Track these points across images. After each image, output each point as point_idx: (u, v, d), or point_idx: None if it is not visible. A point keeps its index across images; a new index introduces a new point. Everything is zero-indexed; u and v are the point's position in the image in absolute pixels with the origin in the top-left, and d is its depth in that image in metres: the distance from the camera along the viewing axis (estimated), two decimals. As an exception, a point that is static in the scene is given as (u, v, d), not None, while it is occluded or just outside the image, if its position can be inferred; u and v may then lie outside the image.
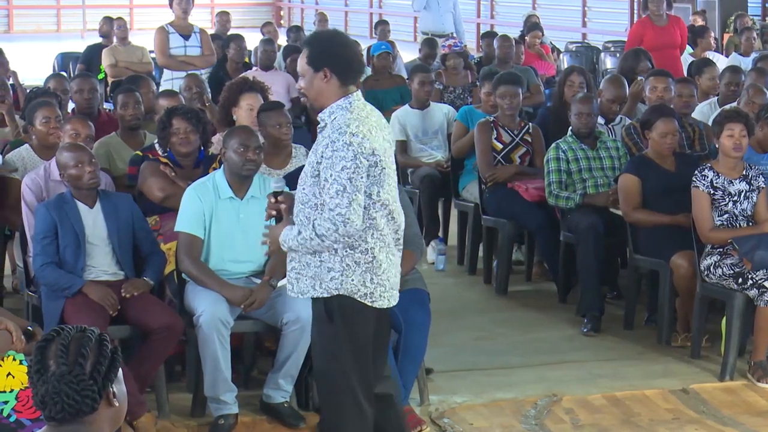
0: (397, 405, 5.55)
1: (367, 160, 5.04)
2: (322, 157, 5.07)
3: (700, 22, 15.62)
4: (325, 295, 5.15)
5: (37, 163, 7.50)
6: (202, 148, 7.14)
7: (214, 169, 6.86)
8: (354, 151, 5.01)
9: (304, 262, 5.18)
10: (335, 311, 5.18)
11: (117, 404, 3.10)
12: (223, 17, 16.25)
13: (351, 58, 5.20)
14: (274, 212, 5.33)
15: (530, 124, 9.06)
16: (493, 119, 8.92)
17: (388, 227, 5.18)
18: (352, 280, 5.14)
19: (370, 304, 5.17)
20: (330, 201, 5.02)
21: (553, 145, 8.41)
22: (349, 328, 5.21)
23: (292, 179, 6.95)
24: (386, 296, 5.22)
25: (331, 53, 5.15)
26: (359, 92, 5.21)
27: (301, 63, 5.19)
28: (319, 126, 5.21)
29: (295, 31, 15.58)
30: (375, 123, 5.16)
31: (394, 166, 5.29)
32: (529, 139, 8.90)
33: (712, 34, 13.46)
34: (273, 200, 5.32)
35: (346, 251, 5.12)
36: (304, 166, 7.33)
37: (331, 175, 5.02)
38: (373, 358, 5.33)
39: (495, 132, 8.85)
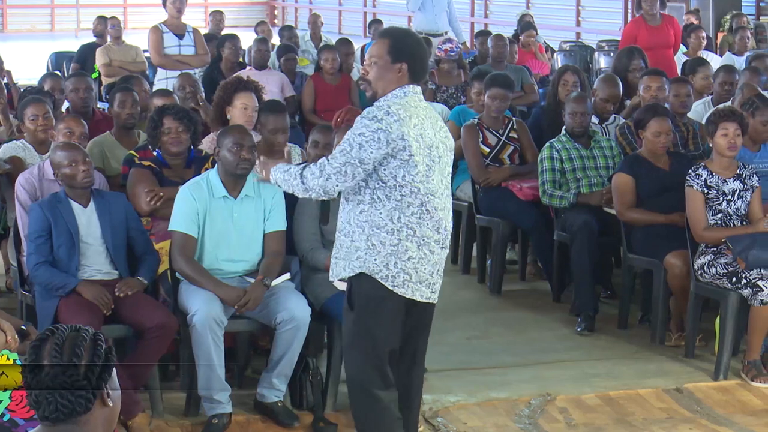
0: (415, 409, 5.63)
1: (389, 141, 5.09)
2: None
3: (693, 21, 15.60)
4: (351, 274, 5.25)
5: (34, 155, 7.58)
6: (192, 147, 7.13)
7: (206, 169, 6.85)
8: (378, 126, 5.11)
9: (338, 244, 5.32)
10: (356, 294, 5.26)
11: (111, 404, 3.10)
12: (217, 16, 16.22)
13: (425, 61, 5.36)
14: None
15: (513, 119, 9.01)
16: (478, 121, 8.88)
17: (421, 219, 5.22)
18: (375, 259, 5.21)
19: (391, 288, 5.20)
20: (334, 152, 5.17)
21: (547, 144, 8.40)
22: (372, 315, 5.26)
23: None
24: (410, 286, 5.25)
25: (412, 51, 5.28)
26: (419, 88, 5.32)
27: (380, 50, 5.27)
28: None
29: (288, 30, 15.55)
30: (424, 116, 5.24)
31: (446, 168, 5.34)
32: (516, 136, 8.86)
33: (702, 34, 13.43)
34: None
35: (373, 230, 5.20)
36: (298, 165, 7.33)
37: (348, 135, 5.16)
38: (403, 353, 5.41)
39: (481, 135, 8.80)
